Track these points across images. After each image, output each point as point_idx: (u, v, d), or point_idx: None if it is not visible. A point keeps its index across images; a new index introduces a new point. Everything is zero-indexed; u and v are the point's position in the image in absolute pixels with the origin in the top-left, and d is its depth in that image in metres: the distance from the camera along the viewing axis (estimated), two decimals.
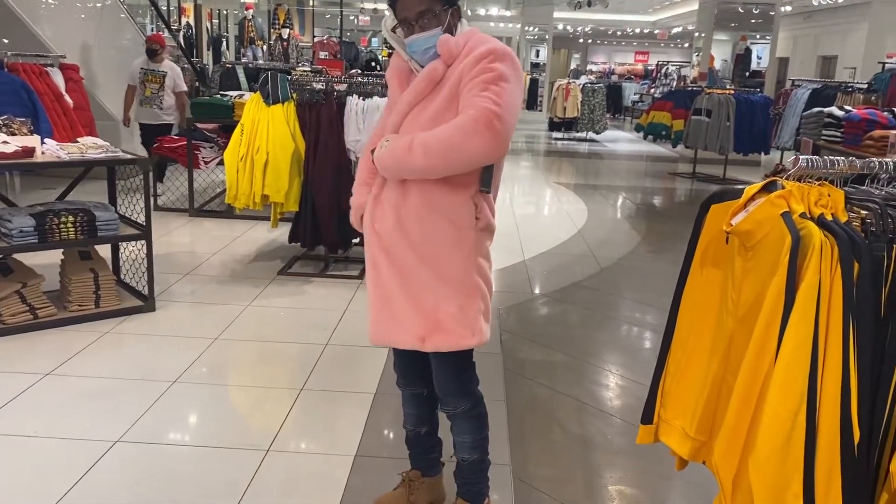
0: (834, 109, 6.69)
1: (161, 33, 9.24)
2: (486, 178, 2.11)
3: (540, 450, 3.03)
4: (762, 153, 11.05)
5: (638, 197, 9.47)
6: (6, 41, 6.77)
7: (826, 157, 1.79)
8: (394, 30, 2.17)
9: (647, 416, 2.08)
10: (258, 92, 5.08)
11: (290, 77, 5.14)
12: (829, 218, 1.68)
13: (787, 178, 1.80)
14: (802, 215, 1.67)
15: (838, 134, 6.34)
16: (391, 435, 3.06)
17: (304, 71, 8.29)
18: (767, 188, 1.79)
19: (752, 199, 1.80)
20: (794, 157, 1.81)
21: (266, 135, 4.88)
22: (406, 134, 2.07)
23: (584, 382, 3.69)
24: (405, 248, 2.12)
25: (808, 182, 1.80)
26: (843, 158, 1.86)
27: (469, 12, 20.13)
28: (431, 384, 2.33)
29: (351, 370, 3.67)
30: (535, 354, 4.03)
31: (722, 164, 10.86)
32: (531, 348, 4.11)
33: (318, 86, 5.06)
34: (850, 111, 6.46)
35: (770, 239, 1.70)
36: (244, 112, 5.05)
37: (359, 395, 3.38)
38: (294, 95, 5.00)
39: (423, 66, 2.13)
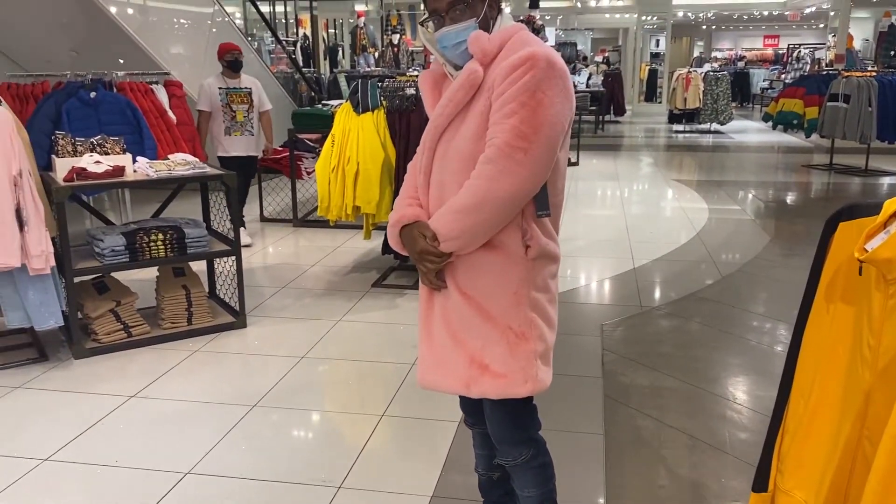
0: None
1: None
2: (540, 201, 1.80)
3: (642, 495, 2.66)
4: None
5: (767, 193, 8.70)
6: (122, 61, 7.04)
7: None
8: (422, 23, 1.89)
9: (761, 483, 1.70)
10: (349, 101, 4.95)
11: (380, 84, 4.96)
12: None
13: None
14: None
15: None
16: (473, 475, 2.78)
17: (410, 75, 8.17)
18: None
19: (894, 216, 1.40)
20: None
21: (356, 145, 4.74)
22: (441, 160, 1.84)
23: (698, 414, 3.26)
24: (449, 283, 1.85)
25: None
26: None
27: (579, 4, 19.47)
28: None
29: (436, 393, 3.42)
30: (642, 379, 3.62)
31: (863, 154, 9.83)
32: (637, 371, 3.70)
33: (410, 91, 4.86)
34: None
35: None
36: (335, 122, 4.94)
37: (442, 423, 3.13)
38: (384, 103, 4.83)
39: (457, 69, 1.85)
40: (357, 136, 4.75)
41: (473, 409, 2.11)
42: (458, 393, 1.93)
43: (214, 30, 8.63)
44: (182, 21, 8.28)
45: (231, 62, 6.03)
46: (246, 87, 6.10)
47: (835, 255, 1.54)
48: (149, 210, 4.60)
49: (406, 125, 4.70)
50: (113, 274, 4.13)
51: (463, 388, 1.88)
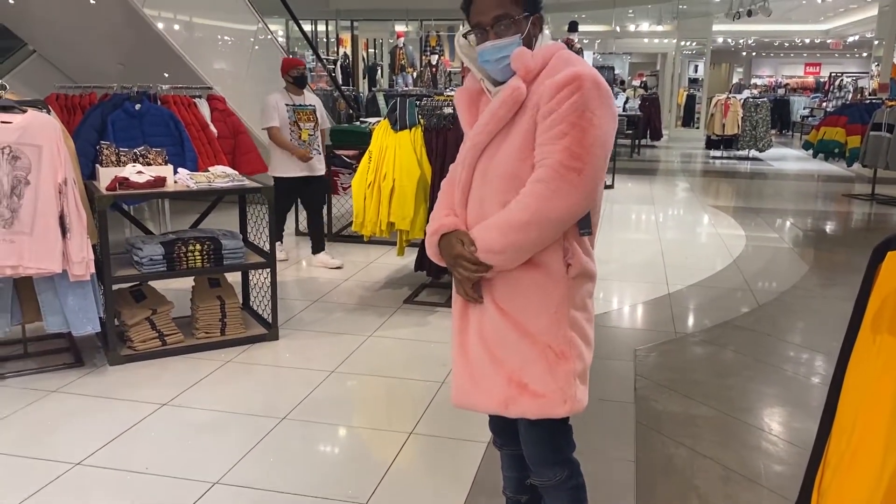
0: None
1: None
2: (583, 219, 1.79)
3: None
4: None
5: (806, 222, 8.55)
6: (166, 75, 7.20)
7: None
8: (465, 36, 1.89)
9: None
10: (387, 118, 4.99)
11: (418, 103, 5.00)
12: None
13: None
14: None
15: None
16: (500, 497, 2.75)
17: (447, 95, 8.21)
18: None
19: None
20: None
21: (393, 161, 4.77)
22: (482, 177, 1.84)
23: (732, 444, 3.19)
24: (486, 299, 1.84)
25: None
26: None
27: (618, 28, 19.45)
28: None
29: (465, 412, 3.40)
30: (675, 406, 3.56)
31: None
32: (670, 398, 3.64)
33: (448, 110, 4.89)
34: None
35: None
36: (372, 139, 4.98)
37: (470, 444, 3.10)
38: (422, 121, 4.86)
39: (495, 85, 1.85)
40: (394, 152, 4.78)
41: (504, 429, 2.08)
42: (495, 412, 1.91)
43: (257, 47, 8.79)
44: (226, 38, 8.46)
45: (297, 77, 5.85)
46: (311, 105, 5.94)
47: (883, 284, 1.50)
48: (188, 220, 4.66)
49: (443, 143, 4.72)
50: (150, 282, 4.20)
51: (501, 408, 1.86)
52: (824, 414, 1.62)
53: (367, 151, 4.96)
